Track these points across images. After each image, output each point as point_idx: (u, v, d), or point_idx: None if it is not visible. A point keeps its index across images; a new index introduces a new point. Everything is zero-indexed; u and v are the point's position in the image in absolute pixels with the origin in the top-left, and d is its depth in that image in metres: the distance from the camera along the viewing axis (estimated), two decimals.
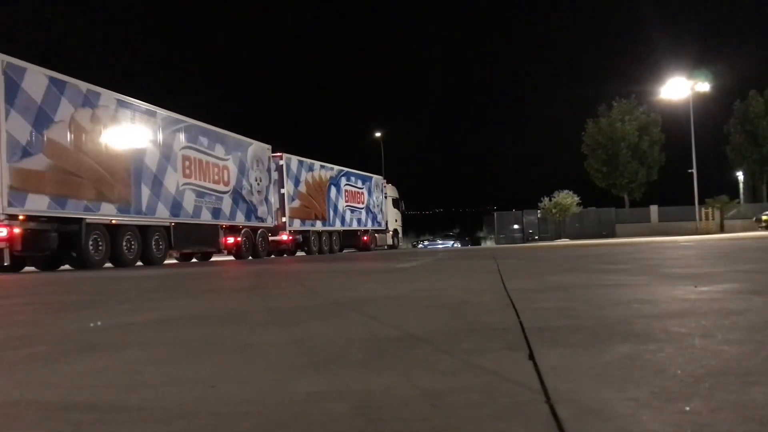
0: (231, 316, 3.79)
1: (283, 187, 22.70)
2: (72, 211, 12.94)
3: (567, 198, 41.57)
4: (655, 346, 2.19)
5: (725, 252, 10.06)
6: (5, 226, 11.50)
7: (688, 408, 1.46)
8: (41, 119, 12.16)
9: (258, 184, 20.73)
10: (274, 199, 22.06)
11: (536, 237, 42.73)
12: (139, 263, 15.34)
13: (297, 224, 23.63)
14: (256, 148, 20.78)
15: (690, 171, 38.11)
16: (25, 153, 11.80)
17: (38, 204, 12.14)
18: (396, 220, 35.31)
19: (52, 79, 12.49)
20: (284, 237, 22.70)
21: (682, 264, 7.28)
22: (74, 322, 3.90)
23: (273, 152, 22.25)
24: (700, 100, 39.24)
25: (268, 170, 21.68)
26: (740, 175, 46.90)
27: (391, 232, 34.42)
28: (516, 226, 44.52)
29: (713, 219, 39.43)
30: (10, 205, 11.49)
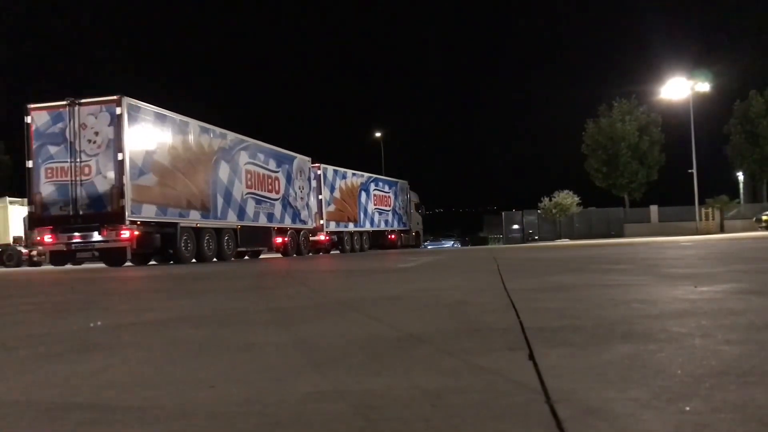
0: (231, 316, 3.79)
1: (320, 194, 25.93)
2: (170, 217, 15.99)
3: (567, 198, 41.57)
4: (655, 346, 2.19)
5: (725, 252, 10.06)
6: (128, 229, 14.47)
7: (688, 408, 1.46)
8: (150, 145, 15.39)
9: (301, 191, 23.90)
10: (313, 204, 25.15)
11: (536, 237, 42.73)
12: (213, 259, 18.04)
13: (333, 226, 26.90)
14: (300, 161, 24.09)
15: (690, 171, 38.13)
16: (141, 173, 15.00)
17: (149, 212, 15.21)
18: (417, 223, 38.07)
19: (156, 114, 15.71)
20: (322, 237, 26.02)
21: (682, 264, 7.28)
22: (74, 322, 3.90)
23: (312, 163, 25.52)
24: (700, 100, 39.26)
25: (309, 179, 24.90)
26: (740, 175, 46.90)
27: (414, 233, 37.07)
28: (516, 226, 44.53)
29: (713, 219, 39.42)
30: (132, 213, 14.54)
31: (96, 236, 14.74)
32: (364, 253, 25.59)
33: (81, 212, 14.64)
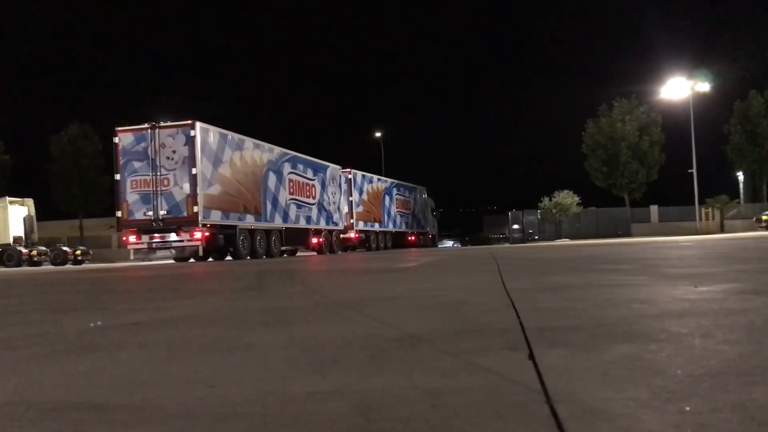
0: (231, 316, 3.79)
1: (351, 196, 29.09)
2: (231, 220, 19.04)
3: (567, 198, 41.54)
4: (655, 346, 2.19)
5: (725, 252, 10.06)
6: (200, 231, 17.46)
7: (688, 408, 1.46)
8: (216, 161, 18.52)
9: (333, 196, 27.07)
10: (344, 206, 28.33)
11: (536, 237, 42.70)
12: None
13: (361, 225, 29.96)
14: (332, 169, 27.30)
15: (690, 171, 38.11)
16: (209, 184, 18.06)
17: (216, 217, 18.25)
18: (433, 226, 41.30)
19: (221, 134, 18.88)
20: (352, 235, 28.80)
21: (682, 264, 7.28)
22: (74, 322, 3.90)
23: (343, 169, 28.79)
24: (700, 100, 39.24)
25: (339, 185, 28.12)
26: (740, 175, 46.87)
27: (431, 235, 40.37)
28: (516, 226, 44.51)
29: (713, 219, 39.40)
30: (203, 218, 17.58)
31: (173, 237, 17.62)
32: (389, 251, 27.93)
33: (161, 217, 17.65)
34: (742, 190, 47.06)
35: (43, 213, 33.13)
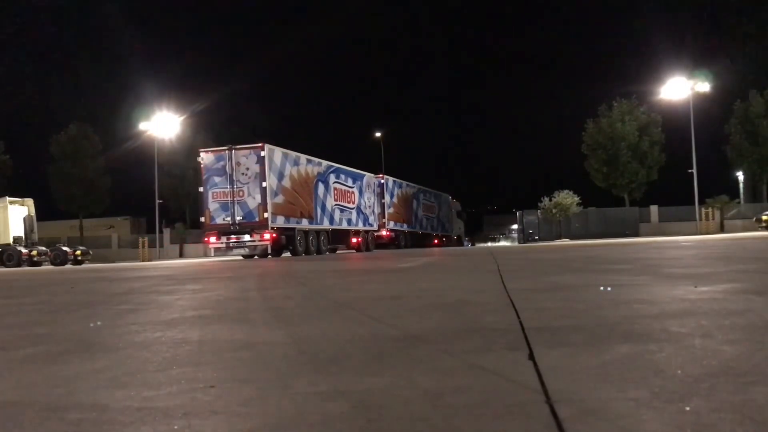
0: (231, 316, 3.79)
1: (383, 198, 32.72)
2: (291, 224, 22.70)
3: (567, 198, 41.51)
4: (655, 346, 2.19)
5: (725, 252, 10.06)
6: (269, 233, 21.01)
7: (688, 408, 1.46)
8: (280, 175, 22.39)
9: (368, 201, 31.00)
10: (377, 207, 31.99)
11: (536, 237, 42.69)
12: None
13: (392, 225, 33.44)
14: (368, 177, 31.33)
15: (690, 171, 38.06)
16: (275, 194, 21.79)
17: (280, 221, 21.87)
18: (459, 228, 44.12)
19: (283, 153, 22.81)
20: (384, 233, 32.38)
21: (682, 264, 7.28)
22: (74, 322, 3.90)
23: (377, 174, 32.77)
24: (700, 100, 39.16)
25: (373, 191, 31.81)
26: (740, 175, 46.83)
27: (456, 237, 43.20)
28: (515, 226, 44.57)
29: (713, 219, 39.37)
30: (271, 222, 21.18)
31: (247, 238, 21.19)
32: (416, 249, 30.62)
33: (237, 222, 21.28)
34: (742, 190, 47.02)
35: (43, 213, 33.15)
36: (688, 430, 1.32)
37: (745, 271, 5.75)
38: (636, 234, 39.58)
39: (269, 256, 21.64)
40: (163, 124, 36.90)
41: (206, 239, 21.98)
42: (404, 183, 35.89)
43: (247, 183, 21.31)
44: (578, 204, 42.00)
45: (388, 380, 1.87)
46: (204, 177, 21.68)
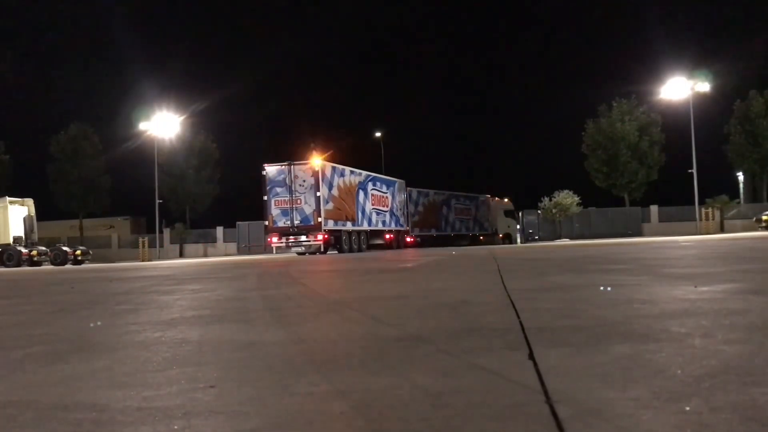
0: (231, 316, 3.79)
1: (408, 208, 36.87)
2: (339, 226, 27.11)
3: (567, 198, 41.49)
4: (655, 346, 2.19)
5: (725, 252, 10.06)
6: (322, 234, 25.33)
7: (688, 408, 1.46)
8: (330, 186, 26.86)
9: (399, 205, 35.53)
10: (406, 210, 36.64)
11: (536, 237, 42.68)
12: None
13: (417, 231, 37.64)
14: (399, 183, 35.89)
15: (690, 171, 38.06)
16: (327, 202, 26.14)
17: (330, 224, 26.25)
18: (509, 226, 45.14)
19: (333, 166, 27.52)
20: (408, 239, 36.56)
21: (682, 264, 7.28)
22: (74, 322, 3.90)
23: (406, 186, 37.09)
24: (700, 100, 39.15)
25: (404, 195, 36.28)
26: (740, 175, 46.83)
27: (501, 235, 44.73)
28: (516, 226, 44.54)
29: (713, 219, 39.36)
30: (323, 226, 25.45)
31: (304, 238, 25.60)
32: (448, 248, 32.33)
33: (295, 225, 25.67)
34: (742, 190, 47.02)
35: (43, 213, 33.15)
36: (688, 430, 1.32)
37: (745, 271, 5.75)
38: (639, 234, 39.53)
39: (317, 254, 25.60)
40: (163, 124, 36.95)
41: (269, 239, 26.51)
42: (432, 191, 40.10)
43: (304, 193, 25.83)
44: (578, 204, 41.98)
45: (388, 380, 1.87)
46: (267, 187, 26.14)
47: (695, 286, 4.23)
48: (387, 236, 32.77)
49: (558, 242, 32.74)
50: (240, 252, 38.85)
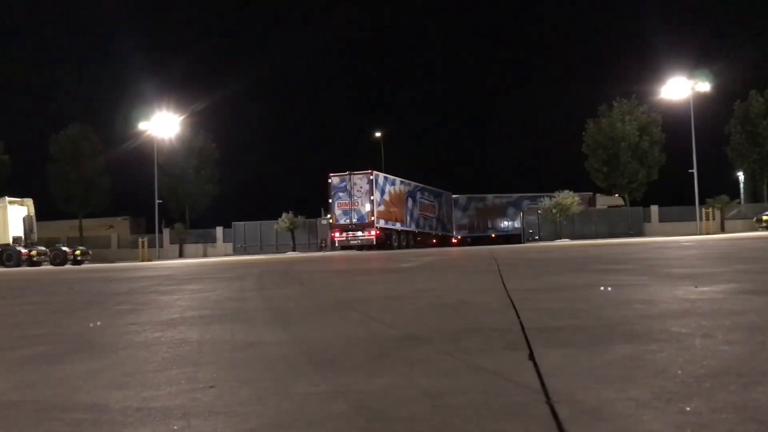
0: (231, 316, 3.79)
1: (453, 213, 44.50)
2: (390, 225, 32.95)
3: (567, 198, 41.49)
4: (655, 346, 2.19)
5: (725, 252, 10.06)
6: (376, 230, 31.01)
7: (688, 408, 1.46)
8: (382, 191, 32.59)
9: (446, 211, 42.72)
10: (454, 217, 44.38)
11: (537, 237, 42.68)
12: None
13: (462, 232, 44.87)
14: (446, 194, 43.10)
15: (690, 171, 38.08)
16: (379, 204, 31.88)
17: (382, 223, 31.97)
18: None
19: (384, 176, 33.42)
20: (453, 240, 43.17)
21: (682, 264, 7.28)
22: (74, 322, 3.90)
23: (453, 194, 44.46)
24: (700, 100, 39.18)
25: (450, 205, 43.57)
26: (740, 175, 46.85)
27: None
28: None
29: (714, 219, 39.36)
30: (376, 223, 31.24)
31: (360, 234, 31.25)
32: (486, 246, 34.90)
33: (353, 223, 31.47)
34: (742, 190, 47.03)
35: (43, 213, 33.17)
36: (688, 430, 1.32)
37: (746, 271, 5.75)
38: (640, 234, 39.51)
39: (370, 249, 30.23)
40: (162, 124, 36.94)
41: (333, 234, 32.32)
42: (490, 197, 46.14)
43: (361, 197, 31.70)
44: (578, 204, 41.96)
45: (388, 380, 1.87)
46: (332, 193, 32.27)
47: (696, 287, 4.23)
48: (433, 239, 39.64)
49: (558, 242, 32.72)
50: (236, 252, 38.87)
